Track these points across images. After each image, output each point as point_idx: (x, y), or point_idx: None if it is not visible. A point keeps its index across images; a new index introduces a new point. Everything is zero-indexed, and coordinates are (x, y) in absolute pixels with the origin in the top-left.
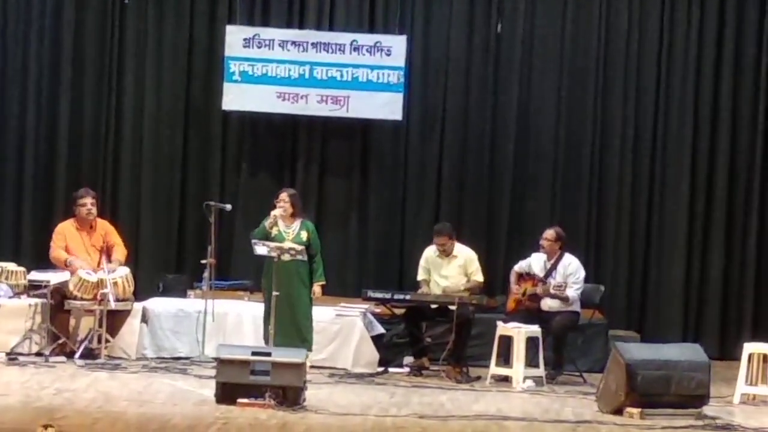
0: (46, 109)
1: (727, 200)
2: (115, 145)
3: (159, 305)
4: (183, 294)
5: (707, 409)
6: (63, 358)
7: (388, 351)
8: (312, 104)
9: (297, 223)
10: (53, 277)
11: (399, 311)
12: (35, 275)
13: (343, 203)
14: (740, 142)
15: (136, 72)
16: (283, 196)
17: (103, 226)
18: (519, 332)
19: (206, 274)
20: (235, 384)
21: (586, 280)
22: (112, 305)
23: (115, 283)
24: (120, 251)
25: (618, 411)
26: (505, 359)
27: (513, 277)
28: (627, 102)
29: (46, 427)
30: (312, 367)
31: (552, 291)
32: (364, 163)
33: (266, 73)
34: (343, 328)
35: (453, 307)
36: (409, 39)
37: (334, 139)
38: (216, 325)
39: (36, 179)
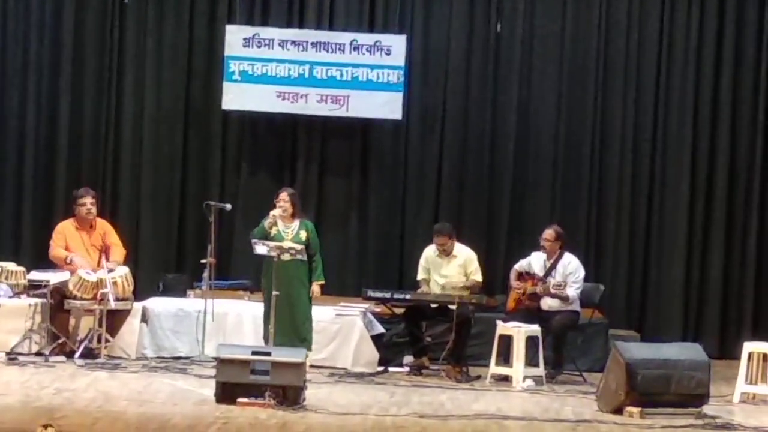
0: (46, 108)
1: (727, 200)
2: (115, 145)
3: (159, 305)
4: (183, 293)
5: (707, 408)
6: (63, 358)
7: (388, 350)
8: (312, 104)
9: (296, 223)
10: (53, 277)
11: (399, 311)
12: (35, 275)
13: (343, 203)
14: (740, 141)
15: (136, 72)
16: (283, 195)
17: (103, 225)
18: (519, 331)
19: (206, 274)
20: (235, 383)
21: (586, 279)
22: (112, 305)
23: (115, 283)
24: (118, 252)
25: (618, 410)
26: (505, 358)
27: (513, 276)
28: (627, 101)
29: (45, 426)
30: (312, 366)
31: (552, 290)
32: (363, 163)
33: (266, 73)
34: (342, 327)
35: (453, 307)
36: (409, 38)
37: (334, 139)
38: (216, 325)
39: (36, 179)
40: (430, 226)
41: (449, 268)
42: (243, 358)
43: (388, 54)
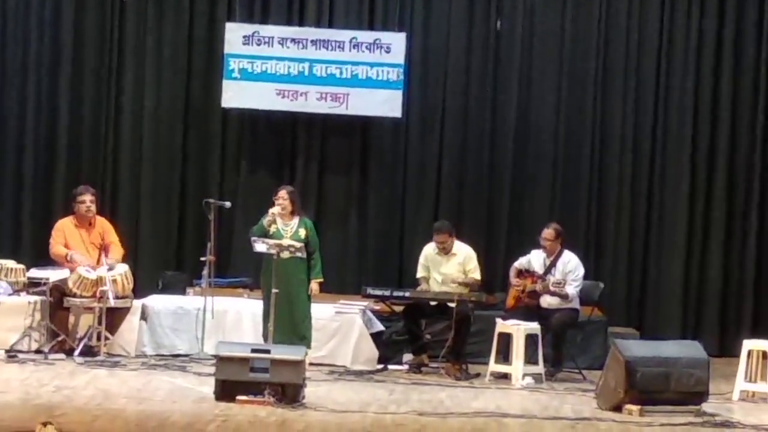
0: (46, 107)
1: (726, 199)
2: (114, 143)
3: (158, 302)
4: (182, 291)
5: (706, 406)
6: (62, 356)
7: (388, 348)
8: (311, 101)
9: (295, 221)
10: (52, 275)
11: (398, 308)
12: (35, 273)
13: (342, 201)
14: (739, 141)
15: (136, 70)
16: (282, 193)
17: (102, 224)
18: (518, 329)
19: (205, 272)
20: (234, 381)
21: (586, 277)
22: (112, 302)
23: (115, 281)
24: (116, 250)
25: (617, 408)
26: (505, 356)
27: (512, 274)
28: (626, 100)
29: (45, 424)
30: (311, 364)
31: (551, 288)
32: (363, 161)
33: (266, 71)
34: (342, 325)
35: (452, 304)
36: (409, 36)
37: (334, 137)
38: (215, 323)
39: (36, 177)
40: (430, 224)
41: (449, 266)
42: (242, 356)
43: (387, 52)
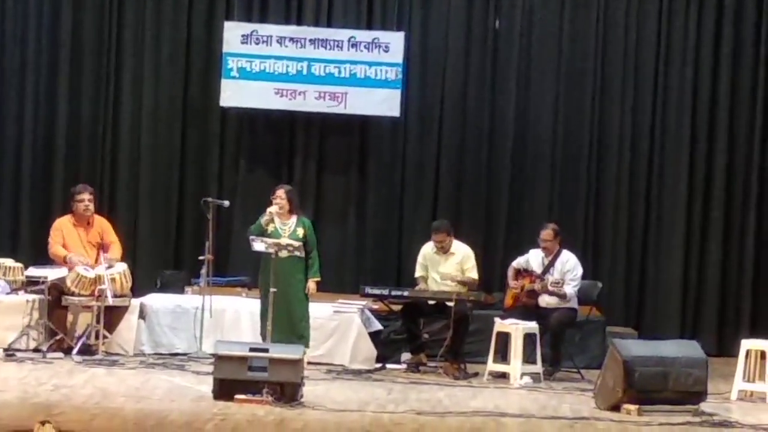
0: (44, 105)
1: (724, 199)
2: (113, 142)
3: (157, 301)
4: (181, 290)
5: (705, 406)
6: (60, 354)
7: (386, 347)
8: (310, 100)
9: (293, 220)
10: (51, 273)
11: (396, 307)
12: (33, 271)
13: (340, 200)
14: (738, 141)
15: (134, 69)
16: (280, 192)
17: (100, 223)
18: (516, 329)
19: (204, 271)
20: (232, 380)
21: (584, 276)
22: (110, 301)
23: (113, 279)
24: (116, 249)
25: (615, 407)
26: (503, 356)
27: (511, 273)
28: (625, 100)
29: (43, 423)
30: (309, 363)
31: (550, 287)
32: (362, 160)
33: (264, 70)
34: (340, 324)
35: (450, 304)
36: (407, 35)
37: (332, 136)
38: (214, 322)
39: (34, 175)
40: (428, 223)
41: (447, 266)
42: (241, 355)
43: (386, 51)
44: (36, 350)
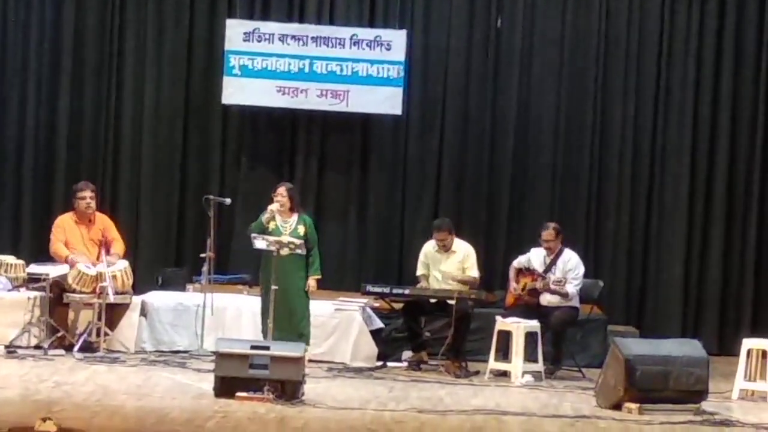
0: (46, 103)
1: (726, 199)
2: (114, 139)
3: (158, 299)
4: (182, 288)
5: (706, 405)
6: (62, 352)
7: (387, 345)
8: (312, 98)
9: (294, 218)
10: (52, 270)
11: (398, 306)
12: (34, 268)
13: (342, 198)
14: (739, 140)
15: (136, 66)
16: (281, 190)
17: (102, 220)
18: (518, 327)
19: (205, 268)
20: (233, 378)
21: (585, 275)
22: (111, 299)
23: (114, 277)
24: (119, 247)
25: (617, 406)
26: (504, 354)
27: (512, 273)
28: (626, 98)
29: (44, 420)
30: (310, 361)
31: (552, 286)
32: (363, 158)
33: (266, 67)
34: (341, 322)
35: (452, 302)
36: (409, 33)
37: (334, 134)
38: (215, 319)
39: (36, 173)
40: (430, 221)
41: (448, 264)
42: (242, 353)
43: (388, 49)
44: (37, 347)
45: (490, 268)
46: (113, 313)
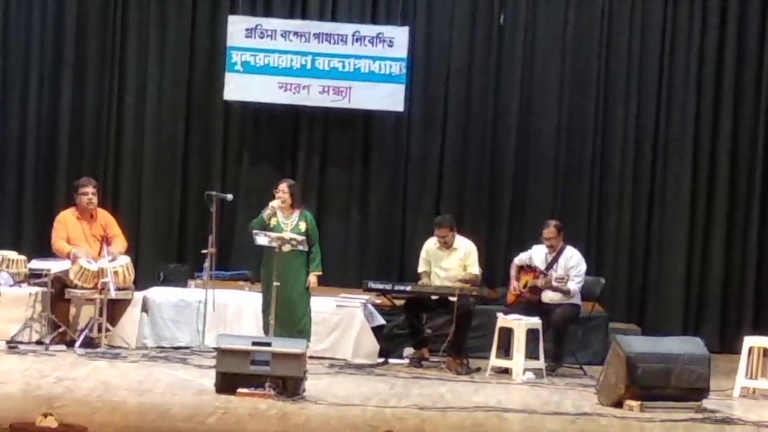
0: (48, 98)
1: (728, 197)
2: (116, 135)
3: (159, 295)
4: (183, 284)
5: (707, 403)
6: (63, 347)
7: (389, 342)
8: (314, 95)
9: (296, 214)
10: (54, 266)
11: (399, 302)
12: (36, 264)
13: (344, 194)
14: (741, 139)
15: (138, 63)
16: (282, 186)
17: (104, 216)
18: (519, 324)
19: (207, 264)
20: (235, 374)
21: (587, 272)
22: (113, 294)
23: (116, 273)
24: (120, 243)
25: (618, 404)
26: (506, 351)
27: (513, 271)
28: (629, 96)
29: (45, 415)
30: (312, 357)
31: (553, 283)
32: (365, 155)
33: (268, 64)
34: (343, 318)
35: (453, 299)
36: (412, 30)
37: (336, 130)
38: (216, 315)
39: (38, 168)
40: (431, 218)
41: (450, 261)
42: (243, 349)
43: (390, 46)
44: (39, 343)
45: (491, 265)
46: (114, 309)
